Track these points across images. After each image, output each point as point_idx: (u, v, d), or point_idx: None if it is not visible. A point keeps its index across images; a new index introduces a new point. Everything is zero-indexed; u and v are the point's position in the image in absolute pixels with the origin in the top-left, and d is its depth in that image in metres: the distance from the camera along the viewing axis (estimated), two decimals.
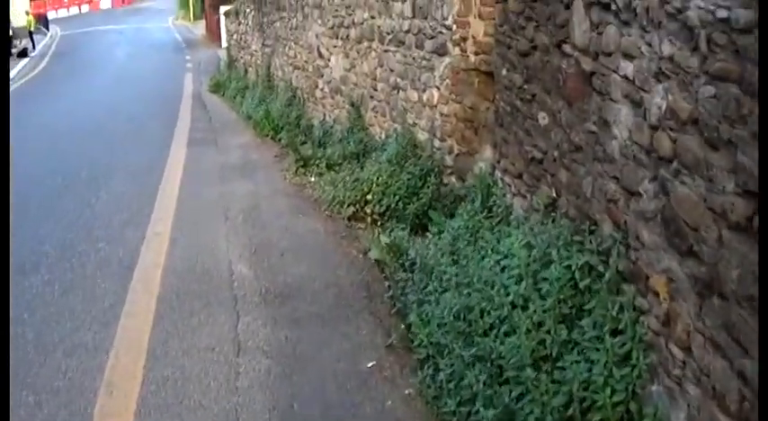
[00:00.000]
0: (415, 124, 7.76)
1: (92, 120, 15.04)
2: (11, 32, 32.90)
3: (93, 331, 5.17)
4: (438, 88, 7.15)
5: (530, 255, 4.29)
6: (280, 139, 11.28)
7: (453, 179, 7.07)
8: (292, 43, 12.27)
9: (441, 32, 6.97)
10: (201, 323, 5.19)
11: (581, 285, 3.81)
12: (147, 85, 21.02)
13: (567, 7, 4.24)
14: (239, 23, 17.11)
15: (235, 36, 17.99)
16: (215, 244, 6.81)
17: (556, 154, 4.57)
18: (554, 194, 4.67)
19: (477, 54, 6.47)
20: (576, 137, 4.20)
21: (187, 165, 10.19)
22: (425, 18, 7.26)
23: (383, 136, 8.72)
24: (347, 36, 9.61)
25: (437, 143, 7.25)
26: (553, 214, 4.51)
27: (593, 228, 3.90)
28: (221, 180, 9.28)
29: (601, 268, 3.71)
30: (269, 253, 6.50)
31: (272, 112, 12.17)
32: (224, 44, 28.35)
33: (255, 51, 15.42)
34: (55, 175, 9.86)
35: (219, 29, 29.69)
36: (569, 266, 3.93)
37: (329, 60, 10.44)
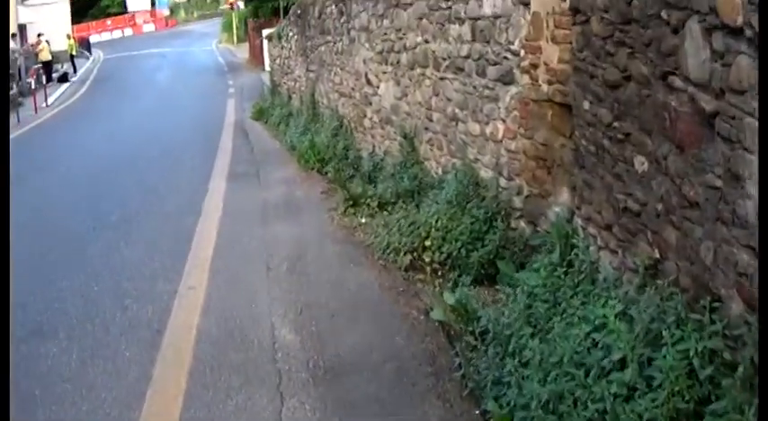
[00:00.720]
0: (476, 160, 6.97)
1: (129, 149, 14.53)
2: (50, 57, 32.82)
3: (113, 416, 4.43)
4: (504, 121, 6.36)
5: (631, 331, 3.51)
6: (326, 173, 10.57)
7: (523, 224, 6.27)
8: (338, 69, 11.57)
9: (506, 58, 6.19)
10: (239, 408, 4.41)
11: (701, 375, 3.05)
12: (189, 111, 20.51)
13: (676, 31, 3.42)
14: (282, 48, 16.47)
15: (278, 61, 17.33)
16: (256, 302, 6.02)
17: (659, 207, 3.75)
18: (657, 255, 3.84)
19: (550, 83, 5.66)
20: (691, 190, 3.37)
21: (227, 203, 9.48)
22: (487, 42, 6.48)
23: (440, 171, 7.94)
24: (398, 62, 8.86)
25: (503, 182, 6.45)
26: (658, 281, 3.68)
27: (715, 304, 3.10)
28: (263, 221, 8.55)
29: (728, 356, 2.96)
30: (317, 314, 5.69)
31: (317, 143, 11.46)
32: (267, 68, 27.97)
33: (299, 77, 14.77)
34: (84, 215, 9.27)
35: (263, 53, 29.27)
36: (686, 351, 3.13)
37: (378, 88, 9.70)
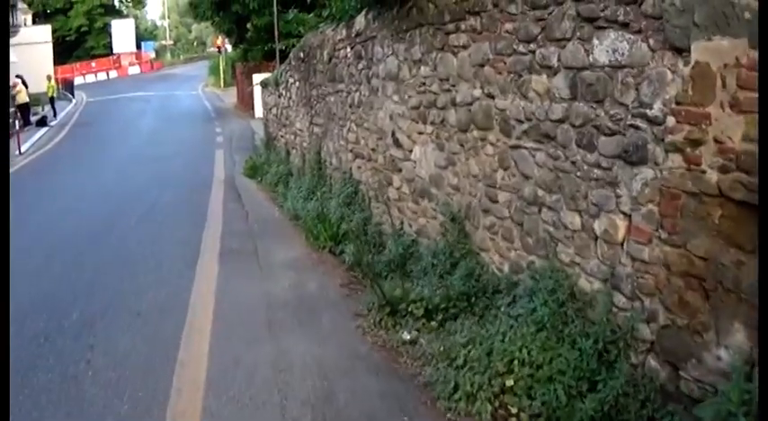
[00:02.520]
0: (573, 263, 4.97)
1: (103, 211, 12.47)
2: (28, 99, 30.97)
3: None
4: (627, 216, 4.39)
5: None
6: (341, 252, 8.57)
7: (653, 361, 4.29)
8: (353, 124, 9.57)
9: (635, 127, 4.24)
10: None
11: None
12: (174, 163, 18.38)
13: None
14: (279, 96, 14.42)
15: (274, 110, 15.24)
16: None
17: None
18: None
19: (724, 171, 3.71)
20: None
21: (219, 298, 7.38)
22: (600, 102, 4.54)
23: (505, 269, 5.96)
24: (442, 120, 6.89)
25: (622, 301, 4.49)
26: None
27: None
28: (269, 331, 6.42)
29: None
30: None
31: (328, 214, 9.46)
32: (257, 114, 26.05)
33: (300, 131, 12.75)
34: (37, 315, 7.12)
35: (252, 98, 27.41)
36: None
37: (411, 151, 7.71)
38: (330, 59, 10.28)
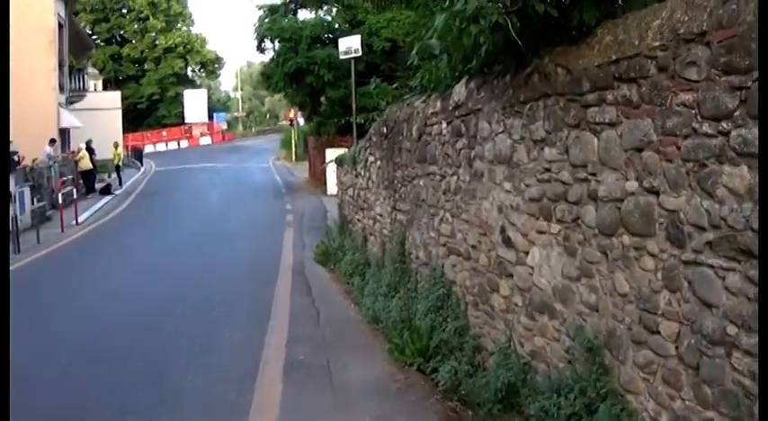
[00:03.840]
0: None
1: (148, 307, 11.01)
2: (91, 166, 30.64)
3: None
4: None
5: None
6: (432, 371, 6.96)
7: None
8: (447, 214, 8.03)
9: None
10: None
11: None
12: (239, 243, 17.07)
13: None
14: (357, 175, 13.00)
15: (350, 191, 13.79)
16: None
17: None
18: None
19: None
20: None
21: None
22: None
23: None
24: (575, 219, 5.31)
25: None
26: None
27: None
28: None
29: None
30: None
31: (414, 319, 7.88)
32: (329, 190, 24.87)
33: (380, 216, 11.26)
34: None
35: (324, 174, 26.26)
36: None
37: (527, 254, 6.12)
38: (420, 136, 8.81)
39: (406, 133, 9.43)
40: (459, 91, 7.41)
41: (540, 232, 5.88)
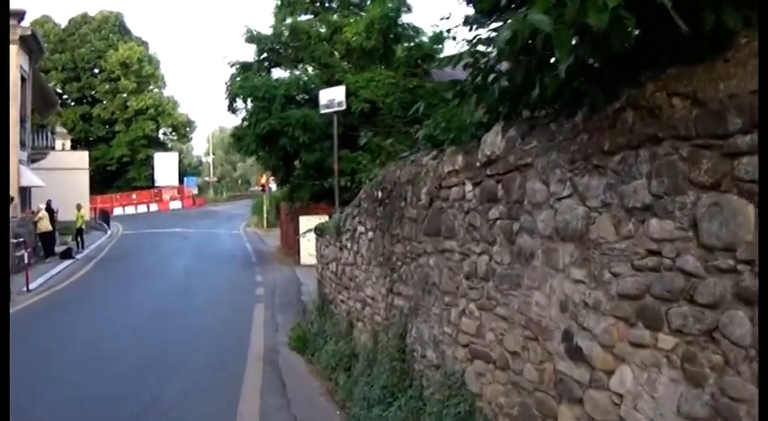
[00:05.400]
0: None
1: (75, 408, 8.80)
2: (51, 228, 28.54)
3: None
4: None
5: None
6: None
7: None
8: (472, 305, 6.00)
9: None
10: None
11: None
12: (201, 322, 14.84)
13: None
14: (341, 248, 10.92)
15: (332, 266, 11.62)
16: None
17: None
18: None
19: None
20: None
21: None
22: None
23: None
24: (708, 330, 3.36)
25: None
26: None
27: None
28: None
29: None
30: None
31: None
32: (303, 260, 22.83)
33: (372, 299, 9.18)
34: None
35: (298, 242, 24.23)
36: None
37: (611, 374, 4.13)
38: (431, 202, 6.81)
39: (410, 198, 7.43)
40: (493, 141, 5.48)
41: (638, 345, 3.89)
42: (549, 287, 4.76)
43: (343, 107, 19.97)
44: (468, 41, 5.74)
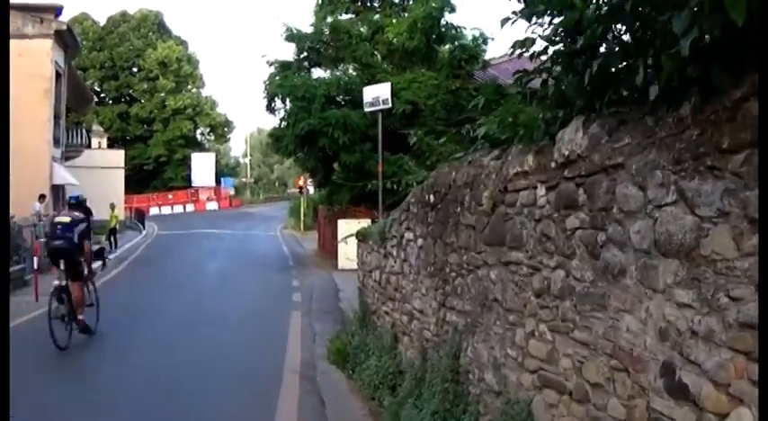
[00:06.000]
0: None
1: None
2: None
3: None
4: None
5: None
6: None
7: None
8: (542, 326, 5.26)
9: None
10: None
11: None
12: (233, 332, 13.78)
13: None
14: (385, 255, 10.23)
15: (375, 274, 10.86)
16: None
17: None
18: None
19: None
20: None
21: None
22: None
23: None
24: None
25: None
26: None
27: None
28: None
29: None
30: None
31: None
32: (340, 265, 22.21)
33: (420, 312, 8.47)
34: None
35: (336, 246, 23.62)
36: None
37: (724, 418, 3.36)
38: (493, 208, 6.09)
39: (468, 203, 6.71)
40: (572, 139, 4.74)
41: None
42: (644, 310, 4.02)
43: (389, 105, 19.22)
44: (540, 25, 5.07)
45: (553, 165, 4.99)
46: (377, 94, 19.26)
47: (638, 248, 4.05)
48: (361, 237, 11.94)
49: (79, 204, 14.10)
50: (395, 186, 11.08)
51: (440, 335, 7.64)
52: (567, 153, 4.78)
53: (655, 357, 3.93)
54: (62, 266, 12.66)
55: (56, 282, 12.71)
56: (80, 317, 12.96)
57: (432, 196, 7.85)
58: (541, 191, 5.20)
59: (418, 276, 8.48)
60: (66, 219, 13.13)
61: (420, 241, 8.36)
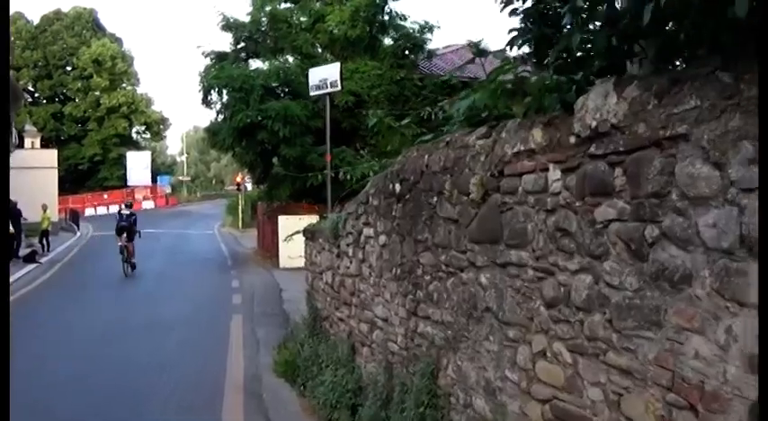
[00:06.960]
0: None
1: None
2: (11, 230, 26.38)
3: None
4: None
5: None
6: None
7: None
8: (558, 345, 4.17)
9: None
10: None
11: None
12: (168, 342, 12.59)
13: None
14: (338, 254, 9.07)
15: (327, 277, 9.64)
16: None
17: None
18: None
19: None
20: None
21: None
22: None
23: None
24: None
25: None
26: None
27: None
28: None
29: None
30: None
31: None
32: (282, 263, 21.06)
33: (385, 321, 7.31)
34: None
35: (276, 244, 22.44)
36: None
37: None
38: (485, 196, 4.98)
39: (449, 192, 5.57)
40: (604, 105, 3.65)
41: None
42: (722, 330, 2.95)
43: (338, 88, 18.03)
44: None
45: (572, 140, 3.90)
46: (324, 75, 18.07)
47: (712, 247, 2.98)
48: (310, 234, 10.71)
49: None
50: (348, 176, 9.89)
51: (410, 349, 6.51)
52: (594, 124, 3.70)
53: (740, 394, 2.88)
54: None
55: None
56: None
57: (398, 185, 6.70)
58: (555, 173, 4.10)
59: (380, 279, 7.32)
60: None
61: (383, 238, 7.20)
